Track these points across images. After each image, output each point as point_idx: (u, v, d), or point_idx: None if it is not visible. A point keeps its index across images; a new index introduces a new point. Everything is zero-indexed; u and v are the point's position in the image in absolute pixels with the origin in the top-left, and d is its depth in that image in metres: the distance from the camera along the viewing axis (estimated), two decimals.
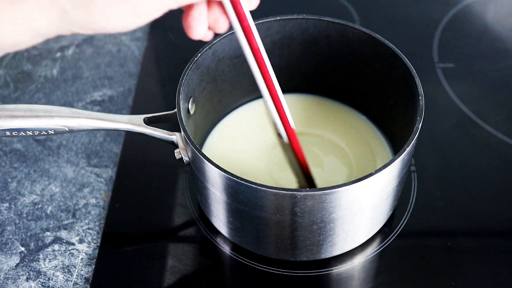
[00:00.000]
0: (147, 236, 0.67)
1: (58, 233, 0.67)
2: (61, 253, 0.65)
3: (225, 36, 0.65)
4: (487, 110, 0.77)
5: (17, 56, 0.86)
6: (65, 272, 0.64)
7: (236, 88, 0.73)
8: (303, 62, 0.71)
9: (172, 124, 0.61)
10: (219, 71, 0.68)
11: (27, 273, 0.64)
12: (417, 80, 0.59)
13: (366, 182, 0.53)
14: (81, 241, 0.66)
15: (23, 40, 0.45)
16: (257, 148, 0.70)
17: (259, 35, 0.68)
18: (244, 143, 0.70)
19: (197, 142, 0.69)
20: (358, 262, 0.63)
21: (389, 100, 0.68)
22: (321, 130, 0.71)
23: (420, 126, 0.56)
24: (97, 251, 0.65)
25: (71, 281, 0.63)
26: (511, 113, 0.77)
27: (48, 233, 0.67)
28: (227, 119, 0.73)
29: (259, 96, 0.73)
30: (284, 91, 0.74)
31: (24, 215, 0.68)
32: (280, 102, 0.57)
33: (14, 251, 0.65)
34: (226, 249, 0.65)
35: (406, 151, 0.55)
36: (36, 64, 0.85)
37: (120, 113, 0.78)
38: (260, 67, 0.54)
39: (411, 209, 0.67)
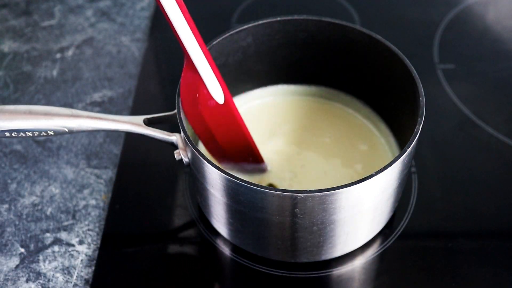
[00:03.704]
0: (147, 238, 0.67)
1: (58, 235, 0.67)
2: (61, 254, 0.65)
3: (225, 37, 0.65)
4: (487, 111, 0.77)
5: (17, 57, 0.86)
6: (65, 273, 0.64)
7: (236, 88, 0.73)
8: (303, 63, 0.71)
9: (172, 125, 0.61)
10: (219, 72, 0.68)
11: (27, 275, 0.64)
12: (418, 81, 0.59)
13: (367, 183, 0.53)
14: (81, 242, 0.66)
15: None
16: (258, 147, 0.69)
17: (260, 36, 0.68)
18: None
19: (196, 143, 0.69)
20: (358, 263, 0.63)
21: (390, 101, 0.67)
22: (324, 131, 0.71)
23: (420, 128, 0.56)
24: (97, 252, 0.65)
25: (71, 282, 0.63)
26: (511, 114, 0.77)
27: (48, 234, 0.67)
28: None
29: (260, 96, 0.74)
30: (285, 92, 0.74)
31: (24, 216, 0.68)
32: (212, 58, 0.57)
33: (14, 252, 0.65)
34: (226, 250, 0.65)
35: (406, 152, 0.55)
36: (36, 65, 0.85)
37: (120, 114, 0.78)
38: (189, 24, 0.54)
39: (411, 211, 0.67)
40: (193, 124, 0.61)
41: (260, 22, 0.66)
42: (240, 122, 0.64)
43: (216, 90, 0.59)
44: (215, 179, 0.56)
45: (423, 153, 0.72)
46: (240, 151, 0.65)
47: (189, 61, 0.56)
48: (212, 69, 0.58)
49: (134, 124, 0.60)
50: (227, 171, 0.54)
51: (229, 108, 0.62)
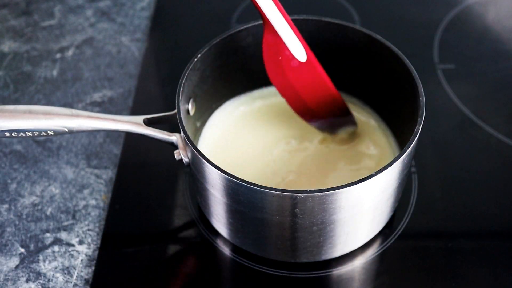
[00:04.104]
0: (147, 238, 0.66)
1: (58, 235, 0.67)
2: (61, 254, 0.65)
3: (225, 37, 0.64)
4: (487, 111, 0.77)
5: (17, 57, 0.86)
6: (65, 273, 0.64)
7: (236, 89, 0.73)
8: None
9: (172, 125, 0.61)
10: (219, 72, 0.68)
11: (27, 275, 0.64)
12: (418, 81, 0.59)
13: (367, 183, 0.53)
14: (81, 242, 0.66)
15: None
16: (258, 148, 0.69)
17: (260, 36, 0.68)
18: (244, 143, 0.70)
19: (196, 143, 0.69)
20: (358, 263, 0.63)
21: (390, 101, 0.67)
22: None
23: (420, 128, 0.56)
24: (97, 252, 0.65)
25: (71, 282, 0.63)
26: (511, 114, 0.77)
27: (48, 234, 0.67)
28: (227, 120, 0.73)
29: (260, 96, 0.74)
30: None
31: (24, 216, 0.68)
32: (289, 18, 0.59)
33: (14, 252, 0.65)
34: (226, 250, 0.65)
35: (406, 152, 0.55)
36: (36, 65, 0.85)
37: (120, 114, 0.78)
38: None
39: (411, 210, 0.67)
40: (279, 87, 0.64)
41: (260, 22, 0.66)
42: (324, 77, 0.65)
43: (298, 50, 0.60)
44: (215, 179, 0.56)
45: (423, 153, 0.72)
46: (327, 106, 0.67)
47: (268, 25, 0.58)
48: (292, 29, 0.59)
49: (134, 124, 0.60)
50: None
51: (312, 65, 0.63)
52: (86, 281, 0.63)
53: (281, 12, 0.58)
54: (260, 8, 0.57)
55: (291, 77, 0.63)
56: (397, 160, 0.54)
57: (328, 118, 0.68)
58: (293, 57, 0.61)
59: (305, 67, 0.63)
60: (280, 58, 0.61)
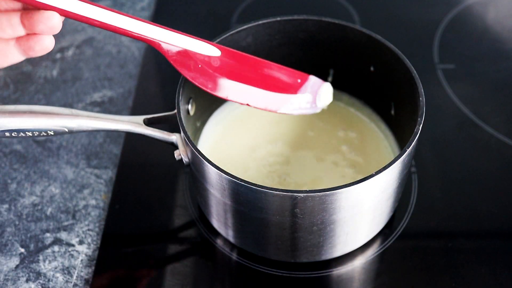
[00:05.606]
0: (147, 238, 0.67)
1: (58, 235, 0.67)
2: (61, 254, 0.65)
3: (225, 37, 0.64)
4: (487, 111, 0.77)
5: None
6: (65, 273, 0.64)
7: None
8: (303, 63, 0.71)
9: (172, 125, 0.61)
10: None
11: (27, 275, 0.64)
12: (418, 81, 0.59)
13: (367, 183, 0.53)
14: (81, 242, 0.66)
15: None
16: (258, 147, 0.69)
17: (260, 36, 0.68)
18: (245, 143, 0.70)
19: (196, 143, 0.69)
20: (358, 263, 0.63)
21: (390, 101, 0.67)
22: (324, 131, 0.71)
23: (420, 128, 0.56)
24: (97, 252, 0.65)
25: (71, 282, 0.63)
26: (511, 114, 0.77)
27: (48, 234, 0.67)
28: (227, 119, 0.73)
29: None
30: None
31: (24, 216, 0.68)
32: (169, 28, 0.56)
33: (14, 252, 0.65)
34: (226, 250, 0.65)
35: (406, 152, 0.55)
36: (36, 65, 0.85)
37: (120, 114, 0.78)
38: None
39: (411, 211, 0.67)
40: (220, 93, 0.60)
41: (260, 22, 0.66)
42: (249, 56, 0.62)
43: (206, 49, 0.59)
44: (215, 179, 0.56)
45: (423, 153, 0.72)
46: (279, 80, 0.64)
47: (162, 48, 0.57)
48: (187, 36, 0.57)
49: (134, 124, 0.60)
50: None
51: (229, 53, 0.61)
52: (86, 281, 0.63)
53: (164, 28, 0.56)
54: (144, 39, 0.55)
55: (224, 73, 0.60)
56: (397, 160, 0.54)
57: (289, 91, 0.64)
58: (210, 57, 0.59)
59: (226, 57, 0.60)
60: (199, 65, 0.58)
